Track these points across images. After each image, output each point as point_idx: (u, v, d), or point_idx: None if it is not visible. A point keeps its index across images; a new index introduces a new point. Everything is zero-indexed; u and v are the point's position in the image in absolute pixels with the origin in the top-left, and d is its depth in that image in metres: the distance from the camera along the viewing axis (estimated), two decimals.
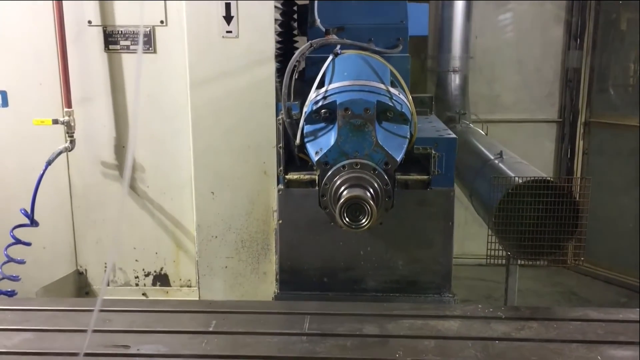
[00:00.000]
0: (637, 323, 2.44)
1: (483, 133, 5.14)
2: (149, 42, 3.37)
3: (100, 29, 3.39)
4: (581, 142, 6.03)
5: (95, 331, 2.40)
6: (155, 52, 3.40)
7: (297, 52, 2.61)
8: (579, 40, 5.89)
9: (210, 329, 2.45)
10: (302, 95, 2.75)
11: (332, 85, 2.48)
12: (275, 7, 3.31)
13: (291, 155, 2.73)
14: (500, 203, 3.38)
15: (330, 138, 2.36)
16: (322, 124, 2.43)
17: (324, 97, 2.42)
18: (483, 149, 4.43)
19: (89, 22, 3.39)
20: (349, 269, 2.93)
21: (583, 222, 3.35)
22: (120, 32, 3.39)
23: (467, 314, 2.58)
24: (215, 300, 3.29)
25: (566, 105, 6.06)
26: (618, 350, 2.26)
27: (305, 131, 2.45)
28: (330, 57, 2.64)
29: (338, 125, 2.32)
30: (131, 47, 3.39)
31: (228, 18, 3.14)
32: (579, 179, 3.44)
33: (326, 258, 2.91)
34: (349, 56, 2.71)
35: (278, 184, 2.85)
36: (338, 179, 2.28)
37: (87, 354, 2.19)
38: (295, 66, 2.56)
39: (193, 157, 3.30)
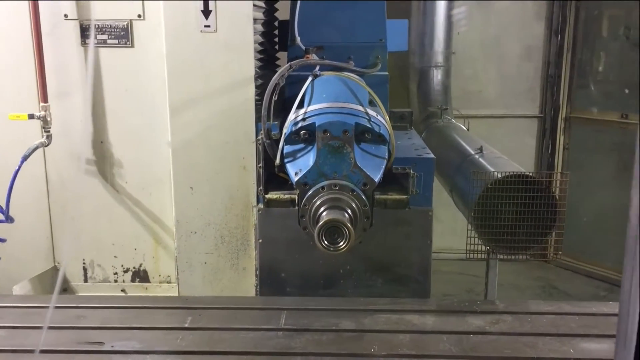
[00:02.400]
0: (609, 316, 2.47)
1: (465, 128, 5.17)
2: (126, 36, 3.34)
3: (77, 22, 3.35)
4: (562, 137, 6.09)
5: (69, 328, 2.39)
6: (132, 46, 3.36)
7: (276, 74, 2.62)
8: (559, 36, 5.93)
9: (186, 325, 2.45)
10: (282, 114, 2.78)
11: (311, 107, 2.50)
12: (256, 5, 3.31)
13: (271, 174, 2.76)
14: (479, 198, 3.41)
15: (309, 159, 2.38)
16: (302, 145, 2.45)
17: (304, 119, 2.44)
18: (464, 144, 4.45)
19: (65, 15, 3.33)
20: (329, 287, 3.00)
21: (561, 216, 3.39)
22: (97, 27, 3.35)
23: (442, 309, 2.61)
24: (192, 296, 3.28)
25: (547, 101, 6.11)
26: (590, 343, 2.29)
27: (285, 152, 2.47)
28: (310, 79, 2.66)
29: (317, 147, 2.34)
30: (108, 41, 3.35)
31: (206, 13, 3.12)
32: (558, 174, 3.48)
33: (306, 276, 2.99)
34: (328, 78, 2.74)
35: (258, 203, 2.86)
36: (317, 200, 2.30)
37: (60, 351, 2.18)
38: (275, 87, 2.58)
39: (171, 152, 3.28)
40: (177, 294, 3.42)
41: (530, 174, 3.42)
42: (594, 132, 5.87)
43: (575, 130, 6.03)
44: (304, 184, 2.34)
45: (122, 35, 3.34)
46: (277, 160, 2.49)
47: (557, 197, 3.36)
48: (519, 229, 3.41)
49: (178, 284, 3.39)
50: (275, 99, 2.59)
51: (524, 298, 5.36)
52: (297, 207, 2.40)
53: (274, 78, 2.59)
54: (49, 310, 2.11)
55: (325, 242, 2.23)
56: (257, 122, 3.18)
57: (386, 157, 2.48)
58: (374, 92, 2.68)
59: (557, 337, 2.34)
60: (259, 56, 3.47)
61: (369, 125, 2.43)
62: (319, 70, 2.74)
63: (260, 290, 3.03)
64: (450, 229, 5.24)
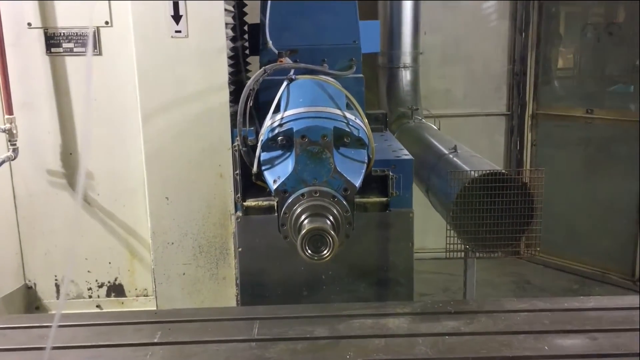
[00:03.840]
0: (582, 311, 2.51)
1: (436, 128, 5.19)
2: (94, 43, 3.25)
3: (41, 31, 3.25)
4: (529, 134, 6.18)
5: (31, 349, 2.31)
6: (100, 54, 3.28)
7: (251, 79, 2.58)
8: (524, 34, 6.02)
9: (155, 340, 2.37)
10: (258, 120, 2.74)
11: (288, 112, 2.46)
12: (227, 10, 3.25)
13: (248, 181, 2.70)
14: (457, 197, 3.41)
15: (287, 166, 2.34)
16: (279, 151, 2.41)
17: (280, 124, 2.40)
18: (437, 144, 4.46)
19: (29, 24, 3.24)
20: (311, 293, 2.95)
21: (537, 213, 3.42)
22: (62, 34, 3.25)
23: (417, 311, 2.59)
24: (161, 309, 3.22)
25: (514, 98, 6.20)
26: (565, 339, 2.31)
27: (262, 159, 2.43)
28: (285, 83, 2.62)
29: (295, 153, 2.30)
30: (75, 49, 3.25)
31: (177, 17, 3.06)
32: (532, 171, 3.51)
33: (288, 283, 2.92)
34: (304, 82, 2.70)
35: (236, 211, 2.81)
36: (298, 208, 2.25)
37: None
38: (249, 93, 2.53)
39: (145, 161, 3.20)
40: (154, 307, 3.34)
41: (507, 172, 3.44)
42: (560, 128, 5.98)
43: (542, 126, 6.13)
44: (284, 191, 2.29)
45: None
46: (255, 168, 2.44)
47: (533, 193, 3.39)
48: (497, 226, 3.43)
49: (156, 297, 3.32)
50: (250, 104, 2.54)
51: (499, 294, 5.41)
52: (276, 214, 2.35)
53: (248, 83, 2.54)
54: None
55: (309, 251, 2.19)
56: (233, 127, 3.12)
57: (366, 161, 2.46)
58: (351, 94, 2.66)
59: (531, 335, 2.33)
60: (231, 62, 3.41)
61: (347, 129, 2.40)
62: (294, 74, 2.69)
63: (241, 299, 2.96)
64: (424, 228, 5.25)
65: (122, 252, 3.51)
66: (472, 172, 3.49)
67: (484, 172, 3.45)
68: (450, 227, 3.52)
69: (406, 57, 5.61)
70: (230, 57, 3.36)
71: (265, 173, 2.40)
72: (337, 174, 2.29)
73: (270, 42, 3.23)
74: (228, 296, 3.27)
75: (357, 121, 2.52)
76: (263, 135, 2.44)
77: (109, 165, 3.42)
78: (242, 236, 2.86)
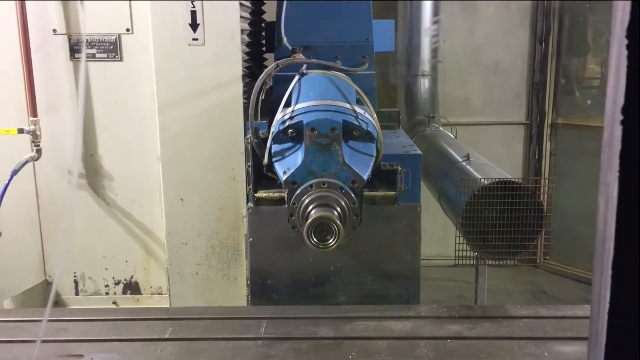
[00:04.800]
0: (583, 319, 2.51)
1: (452, 136, 5.22)
2: (115, 50, 3.37)
3: (66, 37, 3.38)
4: (548, 144, 6.15)
5: (49, 341, 2.41)
6: (121, 59, 3.39)
7: (263, 72, 2.64)
8: (544, 44, 6.01)
9: (166, 336, 2.46)
10: (270, 113, 2.79)
11: (299, 105, 2.51)
12: (243, 17, 3.34)
13: (260, 173, 2.77)
14: (467, 204, 3.45)
15: (297, 157, 2.39)
16: (290, 144, 2.46)
17: (291, 117, 2.45)
18: (451, 151, 4.51)
19: (54, 30, 3.37)
20: (319, 284, 3.00)
21: (546, 221, 3.44)
22: (86, 41, 3.37)
23: (421, 314, 2.64)
24: (173, 307, 3.30)
25: (533, 108, 6.19)
26: (565, 345, 2.34)
27: (273, 151, 2.48)
28: (297, 77, 2.68)
29: (305, 145, 2.35)
30: (97, 55, 3.38)
31: (194, 26, 3.16)
32: (543, 180, 3.54)
33: (297, 274, 2.99)
34: (315, 76, 2.75)
35: (248, 202, 2.88)
36: (306, 198, 2.31)
37: None
38: (262, 86, 2.60)
39: (161, 164, 3.30)
40: (168, 305, 3.44)
41: (516, 180, 3.47)
42: (580, 138, 5.94)
43: (561, 136, 6.10)
44: (293, 182, 2.35)
45: (111, 49, 3.37)
46: (265, 160, 2.50)
47: (542, 202, 3.41)
48: (507, 234, 3.46)
49: (169, 295, 3.41)
50: (262, 97, 2.61)
51: (514, 303, 5.39)
52: (286, 206, 2.41)
53: (260, 77, 2.60)
54: (43, 324, 2.12)
55: (314, 239, 2.24)
56: (246, 121, 3.15)
57: (374, 154, 2.49)
58: (362, 90, 2.69)
59: (532, 341, 2.37)
60: (246, 57, 3.47)
61: (356, 123, 2.43)
62: (305, 69, 2.74)
63: (250, 289, 3.01)
64: (442, 236, 5.28)
65: (138, 251, 3.61)
66: (482, 180, 3.54)
67: (493, 180, 3.50)
68: (460, 234, 3.56)
69: (425, 65, 5.66)
70: (245, 53, 3.43)
71: (276, 165, 2.45)
72: (345, 167, 2.33)
73: (284, 39, 3.29)
74: (239, 296, 3.34)
75: (367, 115, 2.55)
76: (274, 128, 2.49)
77: (127, 168, 3.52)
78: (253, 227, 2.92)
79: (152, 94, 3.24)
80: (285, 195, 2.41)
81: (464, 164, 4.05)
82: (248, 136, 2.60)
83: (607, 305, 0.73)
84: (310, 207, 2.27)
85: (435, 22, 5.61)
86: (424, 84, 5.69)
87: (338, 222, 2.21)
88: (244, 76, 3.29)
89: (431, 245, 5.69)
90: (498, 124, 6.21)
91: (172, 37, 3.17)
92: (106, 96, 3.44)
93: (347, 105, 2.51)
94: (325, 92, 2.62)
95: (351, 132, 2.44)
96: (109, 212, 3.56)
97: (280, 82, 2.89)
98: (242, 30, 3.32)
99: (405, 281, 3.02)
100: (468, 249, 3.57)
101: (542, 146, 6.17)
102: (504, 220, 3.44)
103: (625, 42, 0.69)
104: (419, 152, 3.02)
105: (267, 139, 2.51)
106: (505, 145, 6.19)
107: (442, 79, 5.80)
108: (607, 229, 0.71)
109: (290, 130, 2.43)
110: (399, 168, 2.80)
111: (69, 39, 3.38)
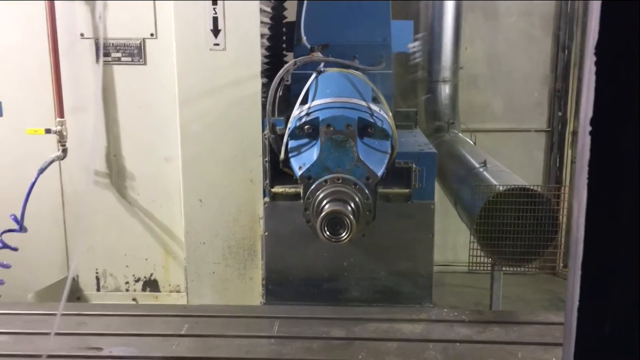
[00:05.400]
0: None
1: (471, 142, 5.23)
2: (140, 54, 3.47)
3: (93, 41, 3.49)
4: (569, 151, 6.11)
5: (69, 334, 2.49)
6: (145, 63, 3.49)
7: (281, 70, 2.70)
8: (566, 51, 5.99)
9: (182, 332, 2.53)
10: (288, 111, 2.83)
11: (315, 102, 2.56)
12: (263, 22, 3.41)
13: (277, 169, 2.83)
14: (482, 210, 3.47)
15: (313, 153, 2.44)
16: (306, 140, 2.51)
17: (307, 114, 2.50)
18: (469, 157, 4.52)
19: (82, 34, 3.48)
20: (333, 279, 3.03)
21: (561, 229, 3.44)
22: (111, 45, 3.48)
23: (431, 318, 2.67)
24: (189, 304, 3.38)
25: (554, 115, 6.15)
26: None
27: (289, 146, 2.53)
28: (314, 75, 2.73)
29: (320, 141, 2.40)
30: (122, 58, 3.48)
31: (215, 32, 3.24)
32: (563, 187, 3.54)
33: (311, 269, 3.01)
34: (332, 74, 2.80)
35: (264, 197, 2.94)
36: (320, 193, 2.36)
37: (59, 356, 2.28)
38: (279, 83, 2.65)
39: (182, 166, 3.39)
40: (185, 303, 3.52)
41: (531, 187, 3.48)
42: None
43: None
44: (308, 177, 2.40)
45: (136, 53, 3.47)
46: (282, 155, 2.55)
47: (556, 209, 3.42)
48: (522, 241, 3.47)
49: (187, 293, 3.49)
50: (280, 94, 2.66)
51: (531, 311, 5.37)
52: (301, 201, 2.45)
53: (279, 73, 2.66)
54: (57, 317, 2.21)
55: (327, 232, 2.29)
56: (264, 117, 3.19)
57: (389, 151, 2.53)
58: (378, 90, 2.72)
59: (541, 346, 2.39)
60: (266, 60, 3.54)
61: (371, 120, 2.48)
62: (323, 67, 2.79)
63: (265, 282, 3.06)
64: (459, 241, 5.29)
65: (157, 249, 3.70)
66: (497, 187, 3.56)
67: (508, 186, 3.51)
68: (474, 240, 3.58)
69: (446, 71, 5.67)
70: (265, 57, 3.50)
71: (292, 160, 2.51)
72: (360, 163, 2.38)
73: (304, 38, 3.33)
74: (254, 295, 3.41)
75: (382, 113, 2.59)
76: (291, 124, 2.54)
77: (149, 169, 3.61)
78: (269, 221, 2.97)
79: (174, 97, 3.34)
80: (301, 191, 2.47)
81: (481, 170, 4.06)
82: (265, 132, 2.65)
83: (577, 298, 0.79)
84: (325, 202, 2.32)
85: (456, 29, 5.62)
86: (445, 89, 5.71)
87: (351, 216, 2.25)
88: (264, 72, 3.35)
89: (450, 251, 5.71)
90: (519, 130, 6.18)
91: (195, 43, 3.26)
92: (130, 98, 3.54)
93: (363, 103, 2.55)
94: (342, 89, 2.67)
95: (366, 129, 2.48)
96: (131, 211, 3.66)
97: (299, 80, 2.94)
98: (262, 35, 3.40)
99: (418, 277, 3.04)
100: (483, 254, 3.59)
101: (563, 154, 6.13)
102: (518, 227, 3.45)
103: (594, 59, 0.74)
104: (434, 150, 3.04)
105: (284, 135, 2.56)
106: (525, 153, 6.16)
107: (463, 85, 5.80)
108: (578, 232, 0.77)
109: (306, 127, 2.48)
110: (414, 166, 2.83)
111: (96, 43, 3.48)
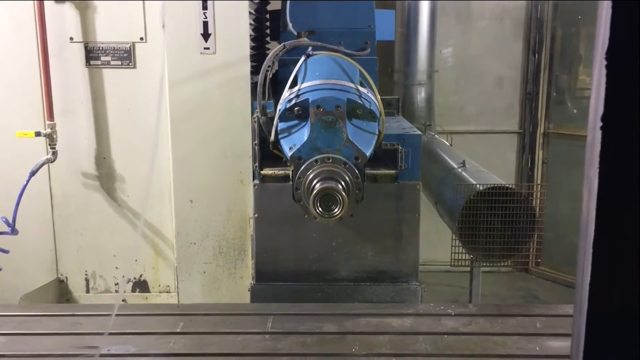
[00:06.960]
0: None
1: (448, 144, 5.37)
2: (129, 57, 3.52)
3: (82, 45, 3.52)
4: (541, 152, 6.29)
5: (65, 334, 2.53)
6: (135, 67, 3.53)
7: (271, 53, 2.75)
8: (537, 54, 6.19)
9: (178, 330, 2.57)
10: (275, 95, 2.89)
11: (305, 85, 2.62)
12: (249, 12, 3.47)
13: (267, 152, 2.87)
14: (463, 209, 3.60)
15: (303, 134, 2.51)
16: (296, 121, 2.57)
17: (297, 96, 2.56)
18: (447, 158, 4.66)
19: (71, 38, 3.51)
20: (322, 260, 3.07)
21: (539, 226, 3.59)
22: (101, 49, 3.52)
23: (419, 312, 2.77)
24: (183, 303, 3.41)
25: (526, 117, 6.33)
26: (555, 341, 2.47)
27: (279, 128, 2.59)
28: (303, 58, 2.78)
29: (310, 122, 2.47)
30: (112, 62, 3.52)
31: (206, 36, 3.30)
32: (536, 186, 3.68)
33: (300, 250, 3.05)
34: (321, 57, 2.85)
35: (254, 179, 2.99)
36: (311, 173, 2.43)
37: (59, 356, 2.32)
38: (269, 66, 2.71)
39: (172, 167, 3.43)
40: (176, 303, 3.56)
41: (510, 186, 3.62)
42: (571, 147, 6.09)
43: (554, 145, 6.25)
44: (298, 158, 2.47)
45: (125, 56, 3.51)
46: (272, 137, 2.60)
47: (534, 207, 3.56)
48: (500, 238, 3.60)
49: (178, 293, 3.53)
50: (269, 77, 2.72)
51: None
52: (291, 183, 2.51)
53: (268, 57, 2.71)
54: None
55: (320, 209, 2.37)
56: (253, 100, 3.23)
57: (377, 132, 2.60)
58: (364, 71, 2.77)
59: (524, 336, 2.50)
60: (254, 63, 3.55)
61: (360, 102, 2.55)
62: (311, 50, 2.84)
63: (255, 265, 3.08)
64: (436, 241, 5.41)
65: (147, 250, 3.73)
66: (478, 186, 3.69)
67: (488, 185, 3.65)
68: (456, 238, 3.71)
69: (422, 74, 5.81)
70: (252, 48, 3.53)
71: (282, 141, 2.57)
72: (349, 143, 2.45)
73: (290, 25, 3.33)
74: (244, 294, 3.47)
75: (370, 95, 2.66)
76: (281, 106, 2.60)
77: (138, 170, 3.65)
78: (259, 203, 3.01)
79: (163, 100, 3.37)
80: (290, 173, 2.53)
81: (460, 170, 4.20)
82: (255, 114, 2.70)
83: (589, 279, 0.89)
84: (316, 181, 2.39)
85: (431, 33, 5.75)
86: (420, 92, 5.84)
87: (343, 192, 2.33)
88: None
89: (428, 251, 5.83)
90: (492, 132, 6.35)
91: (185, 46, 3.31)
92: (119, 101, 3.58)
93: (352, 85, 2.62)
94: (331, 72, 2.73)
95: (355, 110, 2.55)
96: (120, 213, 3.69)
97: (286, 65, 2.98)
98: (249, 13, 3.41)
99: (404, 256, 3.10)
100: (463, 252, 3.71)
101: (534, 155, 6.32)
102: (497, 225, 3.58)
103: (605, 63, 0.85)
104: (419, 132, 3.11)
105: (274, 117, 2.61)
106: (498, 154, 6.33)
107: (438, 88, 5.95)
108: (589, 215, 0.87)
109: (296, 108, 2.54)
110: (400, 147, 2.92)
111: (85, 47, 3.52)
